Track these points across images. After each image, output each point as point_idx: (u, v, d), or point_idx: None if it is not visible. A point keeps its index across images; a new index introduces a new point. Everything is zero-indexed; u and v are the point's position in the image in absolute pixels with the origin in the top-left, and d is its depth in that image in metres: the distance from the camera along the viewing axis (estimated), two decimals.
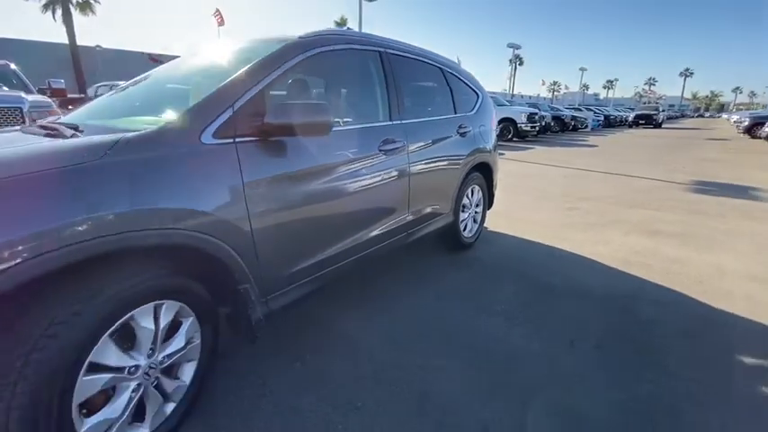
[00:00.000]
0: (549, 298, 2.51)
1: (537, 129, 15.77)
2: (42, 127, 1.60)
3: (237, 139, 1.44)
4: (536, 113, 15.70)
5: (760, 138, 15.40)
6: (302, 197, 1.66)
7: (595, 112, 25.47)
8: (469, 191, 3.18)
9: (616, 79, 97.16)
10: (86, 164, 1.09)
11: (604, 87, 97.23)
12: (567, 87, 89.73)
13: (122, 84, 2.34)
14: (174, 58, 2.62)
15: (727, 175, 7.38)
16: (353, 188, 1.93)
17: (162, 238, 1.20)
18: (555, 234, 3.71)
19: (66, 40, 23.74)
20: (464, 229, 3.21)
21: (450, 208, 2.90)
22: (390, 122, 2.23)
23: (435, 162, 2.60)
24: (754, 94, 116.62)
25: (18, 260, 0.93)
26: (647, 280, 2.77)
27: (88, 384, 1.09)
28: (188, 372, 1.43)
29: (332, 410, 1.55)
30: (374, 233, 2.14)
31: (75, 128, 1.53)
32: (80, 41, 24.33)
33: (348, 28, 45.34)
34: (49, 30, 28.13)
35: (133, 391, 1.22)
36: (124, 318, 1.16)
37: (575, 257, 3.19)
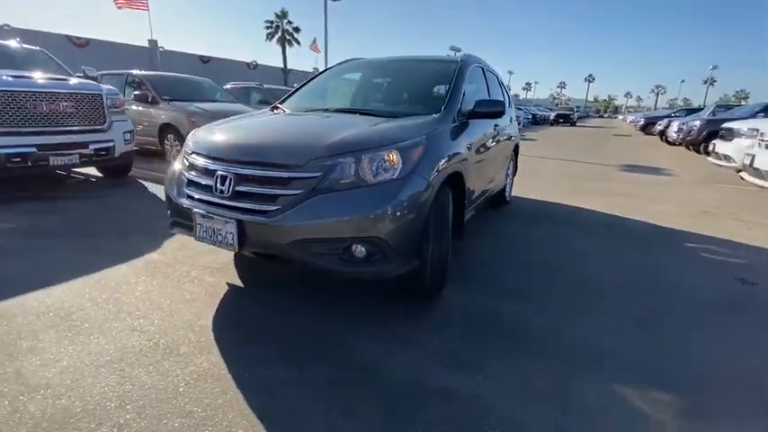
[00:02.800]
0: (568, 225, 3.99)
1: None
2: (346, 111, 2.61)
3: (462, 120, 2.59)
4: None
5: (653, 134, 19.26)
6: (477, 151, 2.84)
7: (525, 111, 28.85)
8: (510, 163, 4.55)
9: (536, 82, 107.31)
10: (438, 129, 2.20)
11: (524, 89, 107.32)
12: None
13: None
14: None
15: (640, 160, 9.82)
16: (488, 150, 3.16)
17: (456, 167, 2.33)
18: (549, 197, 5.26)
19: None
20: (506, 191, 4.58)
21: (504, 174, 4.24)
22: None
23: (505, 140, 3.91)
24: (641, 99, 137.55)
25: (438, 173, 2.03)
26: (616, 215, 4.40)
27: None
28: None
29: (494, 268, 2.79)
30: (488, 183, 3.39)
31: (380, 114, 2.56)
32: None
33: (289, 21, 43.51)
34: None
35: None
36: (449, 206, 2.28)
37: (571, 207, 4.74)
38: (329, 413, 1.45)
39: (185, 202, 2.00)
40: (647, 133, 21.39)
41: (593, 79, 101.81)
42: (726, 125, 7.46)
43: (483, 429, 1.40)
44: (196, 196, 1.98)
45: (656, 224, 4.13)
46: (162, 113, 6.57)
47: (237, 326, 2.01)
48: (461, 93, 2.66)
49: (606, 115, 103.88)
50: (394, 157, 1.83)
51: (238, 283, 2.50)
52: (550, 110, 40.67)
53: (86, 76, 6.17)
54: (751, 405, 1.60)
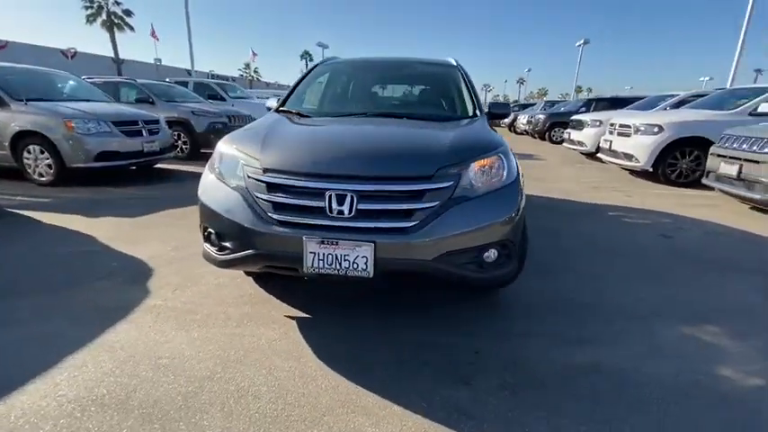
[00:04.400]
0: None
1: None
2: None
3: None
4: None
5: (501, 125, 23.06)
6: None
7: None
8: None
9: None
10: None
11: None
12: None
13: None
14: None
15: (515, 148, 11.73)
16: None
17: None
18: None
19: None
20: None
21: None
22: None
23: None
24: None
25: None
26: (540, 195, 5.29)
27: None
28: None
29: None
30: None
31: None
32: None
33: (116, 2, 36.31)
34: None
35: None
36: None
37: None
38: (546, 419, 1.48)
39: (283, 231, 1.66)
40: (494, 125, 25.47)
41: None
42: (575, 117, 9.57)
43: (650, 383, 1.65)
44: (299, 221, 1.66)
45: (574, 200, 5.12)
46: (15, 118, 4.89)
47: (356, 357, 1.80)
48: (478, 97, 2.85)
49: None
50: (501, 161, 1.90)
51: (299, 313, 2.18)
52: None
53: None
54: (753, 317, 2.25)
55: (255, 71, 59.85)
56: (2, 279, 2.50)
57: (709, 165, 4.80)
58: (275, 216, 1.69)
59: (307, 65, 75.36)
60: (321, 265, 1.64)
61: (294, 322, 2.09)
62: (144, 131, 5.64)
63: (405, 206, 1.66)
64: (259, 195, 1.74)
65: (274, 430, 1.39)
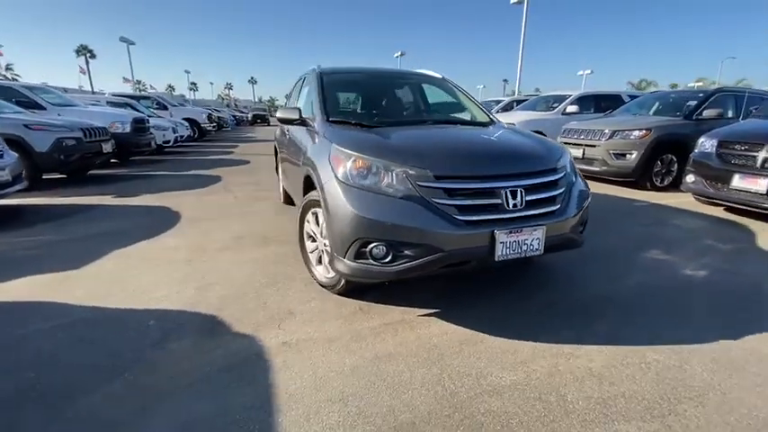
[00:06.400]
0: None
1: (216, 127, 17.07)
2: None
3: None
4: (211, 114, 16.83)
5: None
6: None
7: (230, 114, 28.60)
8: None
9: (211, 83, 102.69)
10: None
11: (190, 89, 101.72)
12: (152, 87, 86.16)
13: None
14: None
15: None
16: None
17: None
18: None
19: None
20: None
21: None
22: None
23: None
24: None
25: None
26: None
27: None
28: None
29: None
30: None
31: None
32: None
33: None
34: None
35: None
36: None
37: None
38: (644, 326, 2.19)
39: (472, 229, 1.85)
40: None
41: (256, 81, 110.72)
42: None
43: (670, 286, 2.58)
44: (485, 218, 1.88)
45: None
46: None
47: (515, 328, 2.11)
48: (477, 101, 3.42)
49: (276, 114, 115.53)
50: (570, 157, 2.51)
51: (427, 310, 2.30)
52: (241, 111, 41.76)
53: None
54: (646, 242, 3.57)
55: (9, 69, 44.64)
56: (13, 385, 1.68)
57: None
58: (462, 217, 1.86)
59: (87, 60, 60.57)
60: (507, 252, 1.92)
61: (435, 318, 2.23)
62: None
63: (552, 193, 2.10)
64: (439, 201, 1.87)
65: (545, 389, 1.65)
